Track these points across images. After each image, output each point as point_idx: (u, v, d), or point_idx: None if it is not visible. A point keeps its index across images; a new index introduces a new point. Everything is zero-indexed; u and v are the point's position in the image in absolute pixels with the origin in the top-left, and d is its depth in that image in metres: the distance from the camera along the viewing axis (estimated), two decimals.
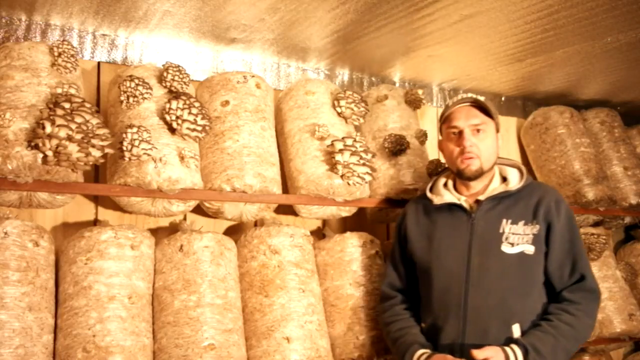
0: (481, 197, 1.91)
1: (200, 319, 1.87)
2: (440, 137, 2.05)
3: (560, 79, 2.90)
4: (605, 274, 2.94)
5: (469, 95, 1.94)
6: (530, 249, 1.83)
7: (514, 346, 1.72)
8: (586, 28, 2.26)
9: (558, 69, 2.74)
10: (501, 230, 1.85)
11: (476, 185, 1.94)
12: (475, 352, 1.68)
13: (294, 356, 1.95)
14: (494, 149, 1.92)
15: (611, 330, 2.84)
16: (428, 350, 1.82)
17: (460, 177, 1.93)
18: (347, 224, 2.56)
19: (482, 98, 1.94)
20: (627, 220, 3.17)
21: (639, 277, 3.16)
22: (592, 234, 2.88)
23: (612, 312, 2.86)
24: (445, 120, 1.98)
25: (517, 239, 1.83)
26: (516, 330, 1.78)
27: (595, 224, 3.04)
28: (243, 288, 2.09)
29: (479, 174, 1.90)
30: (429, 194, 2.01)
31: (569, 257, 1.85)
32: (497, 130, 1.96)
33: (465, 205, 1.92)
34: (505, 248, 1.83)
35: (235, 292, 2.02)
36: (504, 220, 1.86)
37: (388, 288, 2.06)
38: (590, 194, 2.82)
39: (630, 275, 3.13)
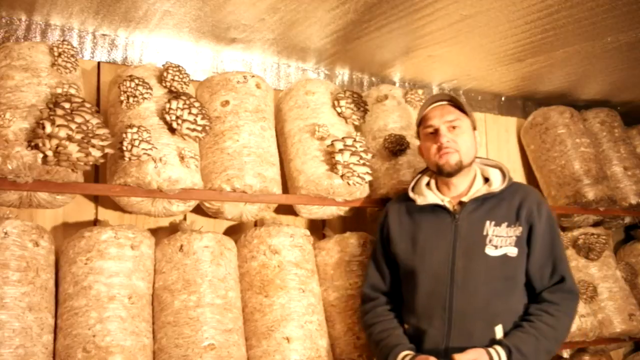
0: (464, 199, 1.91)
1: (200, 319, 1.87)
2: (419, 142, 2.05)
3: (560, 79, 2.90)
4: (605, 274, 2.94)
5: (441, 92, 1.95)
6: (513, 251, 1.84)
7: (498, 347, 1.73)
8: (586, 28, 2.26)
9: (558, 69, 2.74)
10: (485, 233, 1.85)
11: (458, 185, 1.94)
12: (458, 357, 1.68)
13: (294, 356, 1.95)
14: (471, 144, 1.93)
15: (611, 330, 2.84)
16: (412, 352, 1.81)
17: (441, 174, 1.93)
18: (347, 224, 2.56)
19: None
20: (627, 220, 3.17)
21: (639, 277, 3.16)
22: (592, 234, 2.88)
23: (612, 312, 2.86)
24: (420, 122, 2.00)
25: (501, 241, 1.84)
26: (499, 332, 1.80)
27: (595, 224, 3.04)
28: (243, 288, 2.09)
29: (458, 168, 1.89)
30: (411, 194, 2.00)
31: (549, 259, 1.87)
32: (474, 128, 1.97)
33: (449, 206, 1.92)
34: (489, 251, 1.83)
35: (235, 292, 2.02)
36: (488, 222, 1.86)
37: (370, 290, 2.05)
38: (590, 194, 2.82)
39: (630, 275, 3.13)
